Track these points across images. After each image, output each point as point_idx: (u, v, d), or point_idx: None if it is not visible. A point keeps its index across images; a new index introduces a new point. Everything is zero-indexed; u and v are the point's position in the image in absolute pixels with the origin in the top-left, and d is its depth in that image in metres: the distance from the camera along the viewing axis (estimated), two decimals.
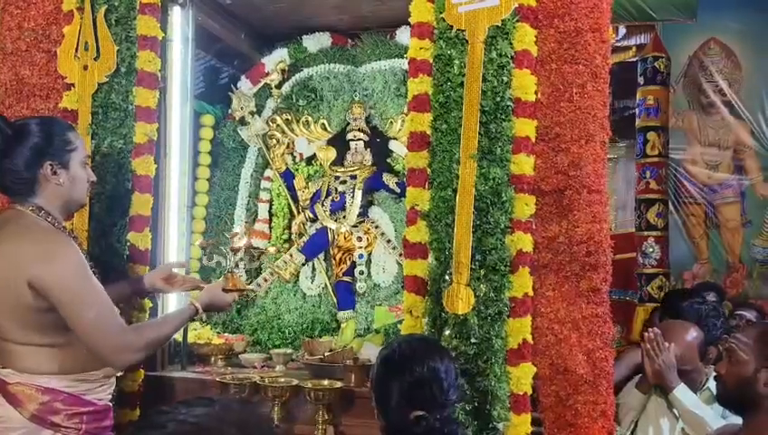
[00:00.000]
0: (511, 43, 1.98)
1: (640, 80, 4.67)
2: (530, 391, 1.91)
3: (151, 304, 2.40)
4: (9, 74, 2.48)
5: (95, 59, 2.34)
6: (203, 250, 2.56)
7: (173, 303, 2.68)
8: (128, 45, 2.35)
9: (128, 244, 2.33)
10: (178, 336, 2.65)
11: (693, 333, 2.24)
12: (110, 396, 1.84)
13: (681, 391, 2.11)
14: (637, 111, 4.69)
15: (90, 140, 2.31)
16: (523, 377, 1.90)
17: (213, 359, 2.69)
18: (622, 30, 4.92)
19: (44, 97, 2.43)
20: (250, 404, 0.81)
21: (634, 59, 4.98)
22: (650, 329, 2.19)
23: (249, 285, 3.10)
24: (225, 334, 2.88)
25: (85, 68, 2.35)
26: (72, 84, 2.36)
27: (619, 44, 4.82)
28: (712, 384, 2.21)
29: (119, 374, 1.87)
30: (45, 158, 1.74)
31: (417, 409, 1.50)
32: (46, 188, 1.76)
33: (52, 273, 1.63)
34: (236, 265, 2.12)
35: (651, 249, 4.34)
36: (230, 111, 3.21)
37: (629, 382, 2.44)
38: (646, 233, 4.44)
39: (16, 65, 2.48)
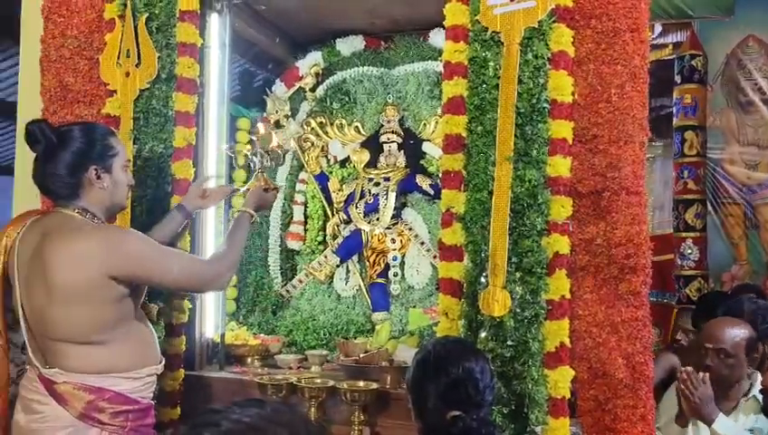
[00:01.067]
0: (547, 45, 1.97)
1: (677, 78, 4.59)
2: (568, 395, 1.89)
3: (190, 306, 2.45)
4: (53, 81, 2.56)
5: (136, 66, 2.40)
6: (232, 154, 2.63)
7: (210, 297, 2.70)
8: (168, 52, 2.40)
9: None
10: (216, 337, 2.70)
11: (743, 330, 2.21)
12: (152, 395, 1.88)
13: (721, 424, 2.08)
14: (674, 109, 4.62)
15: (131, 144, 2.36)
16: (560, 381, 1.88)
17: (249, 360, 2.73)
18: (658, 28, 4.85)
19: (88, 103, 2.50)
20: (299, 408, 0.82)
21: (670, 57, 4.90)
22: (684, 369, 2.15)
23: (284, 287, 3.14)
24: (261, 335, 2.91)
25: (127, 75, 2.41)
26: (115, 91, 2.42)
27: (655, 42, 4.75)
28: (756, 390, 2.16)
29: (160, 372, 1.91)
30: (89, 162, 1.80)
31: (453, 409, 1.51)
32: (90, 192, 1.81)
33: (129, 254, 1.73)
34: (265, 164, 2.21)
35: (689, 250, 4.27)
36: (265, 114, 3.25)
37: (668, 389, 2.41)
38: (684, 234, 4.36)
39: (60, 72, 2.55)
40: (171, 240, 2.18)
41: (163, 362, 1.93)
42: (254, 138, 2.37)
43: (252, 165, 2.28)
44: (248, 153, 2.46)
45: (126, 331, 1.79)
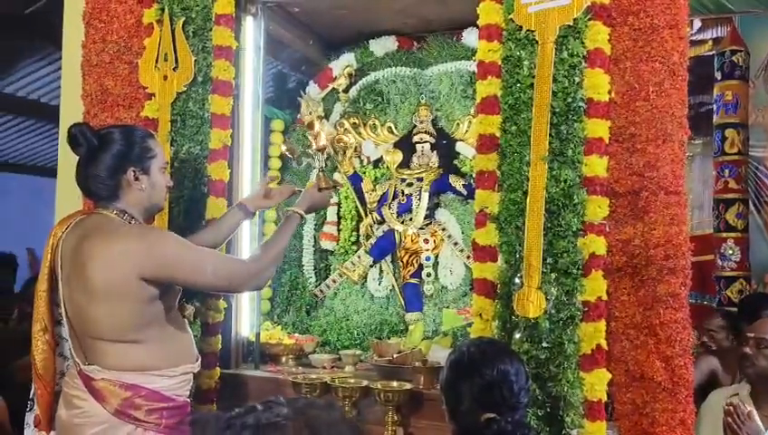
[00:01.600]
0: (583, 43, 1.94)
1: (717, 75, 4.48)
2: (605, 398, 1.87)
3: (225, 305, 2.48)
4: (94, 85, 2.63)
5: (174, 69, 2.45)
6: (290, 154, 2.61)
7: (245, 296, 2.74)
8: (204, 55, 2.44)
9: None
10: (251, 336, 2.73)
11: None
12: (188, 392, 1.91)
13: None
14: (714, 107, 4.51)
15: (169, 146, 2.41)
16: (597, 383, 1.86)
17: (284, 359, 2.75)
18: (697, 23, 4.75)
19: (127, 106, 2.55)
20: (332, 408, 0.83)
21: (710, 53, 4.79)
22: (729, 402, 2.09)
23: (317, 287, 3.16)
24: (296, 335, 2.94)
25: (165, 78, 2.45)
26: (153, 94, 2.47)
27: (694, 38, 4.65)
28: None
29: (196, 371, 1.94)
30: (128, 164, 1.84)
31: (487, 411, 1.50)
32: (129, 193, 1.85)
33: (164, 256, 1.76)
34: (325, 164, 2.22)
35: (731, 251, 4.17)
36: (299, 115, 3.27)
37: (712, 394, 2.35)
38: (725, 234, 4.26)
39: (101, 76, 2.62)
40: (226, 237, 2.23)
41: (199, 361, 1.96)
42: (310, 137, 2.39)
43: (310, 163, 2.28)
44: (308, 150, 2.47)
45: (161, 330, 1.83)
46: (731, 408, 2.04)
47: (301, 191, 2.30)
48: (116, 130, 1.91)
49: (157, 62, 2.48)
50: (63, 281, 1.83)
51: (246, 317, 2.76)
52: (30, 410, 2.13)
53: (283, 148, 2.55)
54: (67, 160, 3.06)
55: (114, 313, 1.75)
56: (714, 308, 4.01)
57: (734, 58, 4.41)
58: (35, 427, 1.98)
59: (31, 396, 1.99)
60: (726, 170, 4.36)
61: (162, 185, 1.92)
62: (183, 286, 1.88)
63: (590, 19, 1.94)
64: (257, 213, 2.37)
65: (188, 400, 1.91)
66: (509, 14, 2.04)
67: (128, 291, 1.73)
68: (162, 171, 1.92)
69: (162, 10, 2.48)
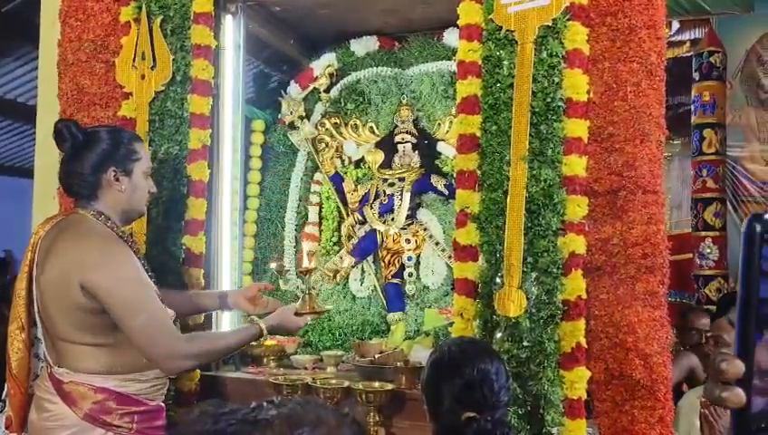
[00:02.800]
0: (562, 43, 1.95)
1: (695, 75, 4.55)
2: (584, 396, 1.88)
3: (201, 320, 2.45)
4: (70, 84, 2.59)
5: (152, 68, 2.42)
6: (279, 274, 2.52)
7: (227, 316, 2.72)
8: (183, 54, 2.42)
9: (183, 247, 2.40)
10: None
11: None
12: (163, 396, 1.88)
13: None
14: (692, 107, 4.57)
15: (147, 146, 2.38)
16: (577, 381, 1.87)
17: (265, 360, 2.74)
18: (676, 25, 4.81)
19: (104, 106, 2.52)
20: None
21: (688, 54, 4.85)
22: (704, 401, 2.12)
23: (299, 288, 3.13)
24: (277, 336, 2.92)
25: (142, 77, 2.43)
26: (130, 93, 2.44)
27: (672, 39, 4.71)
28: None
29: (173, 377, 1.92)
30: (110, 163, 1.82)
31: (468, 410, 1.50)
32: (108, 194, 1.83)
33: (104, 278, 1.69)
34: (313, 287, 2.08)
35: (709, 250, 4.23)
36: (280, 115, 3.26)
37: (689, 392, 2.38)
38: (703, 233, 4.32)
39: (77, 75, 2.58)
40: (195, 312, 2.19)
41: None
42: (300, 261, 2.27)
43: (299, 286, 2.16)
44: (298, 276, 2.35)
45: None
46: (708, 402, 2.07)
47: (294, 311, 2.08)
48: (103, 129, 1.90)
49: (134, 60, 2.44)
50: (36, 280, 1.81)
51: (227, 318, 2.74)
52: (1, 411, 2.10)
53: (273, 266, 2.47)
54: (44, 161, 3.03)
55: (69, 314, 1.74)
56: (694, 307, 4.06)
57: (711, 59, 4.48)
58: (6, 429, 1.95)
59: (3, 397, 1.96)
60: (704, 170, 4.43)
61: (144, 189, 1.89)
62: (112, 327, 1.73)
63: (568, 20, 1.96)
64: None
65: (162, 404, 1.87)
66: (489, 14, 2.04)
67: (76, 299, 1.70)
68: (146, 176, 1.89)
69: (139, 8, 2.45)
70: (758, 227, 0.67)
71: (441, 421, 1.57)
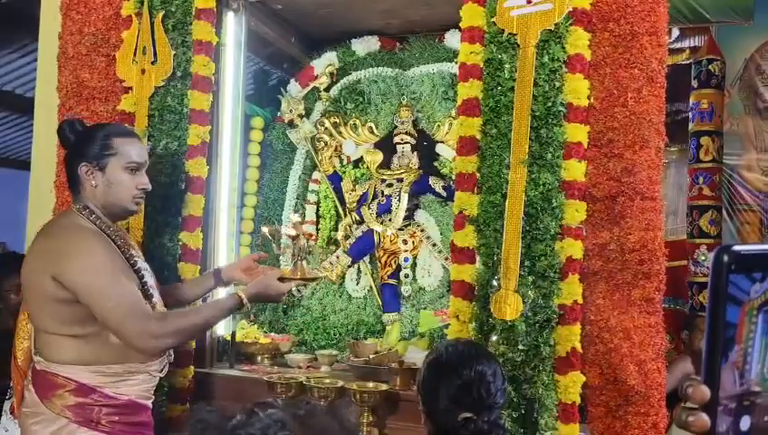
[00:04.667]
0: (564, 48, 1.96)
1: (694, 83, 4.55)
2: (578, 401, 1.88)
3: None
4: (70, 77, 2.58)
5: (152, 63, 2.41)
6: (272, 238, 2.44)
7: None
8: (183, 50, 2.41)
9: (180, 243, 2.39)
10: (227, 335, 2.70)
11: None
12: (147, 393, 1.84)
13: None
14: (690, 114, 4.58)
15: (146, 141, 2.37)
16: (571, 386, 1.87)
17: (259, 358, 2.73)
18: (676, 32, 4.81)
19: (103, 99, 2.51)
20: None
21: (687, 61, 4.86)
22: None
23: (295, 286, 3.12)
24: (272, 334, 2.92)
25: (143, 72, 2.42)
26: (130, 87, 2.44)
27: (672, 46, 4.71)
28: None
29: (159, 375, 1.87)
30: (81, 159, 1.84)
31: (464, 411, 1.50)
32: (86, 189, 1.85)
33: (71, 267, 1.71)
34: (309, 251, 1.99)
35: (704, 257, 4.23)
36: (279, 113, 3.25)
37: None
38: (698, 240, 4.33)
39: (77, 69, 2.57)
40: (197, 298, 2.16)
41: (162, 363, 1.88)
42: (290, 233, 2.22)
43: (290, 251, 2.07)
44: (287, 237, 2.24)
45: (102, 327, 1.77)
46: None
47: (291, 279, 2.01)
48: (87, 125, 1.93)
49: (135, 55, 2.44)
50: (22, 274, 1.85)
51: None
52: (9, 397, 2.14)
53: (265, 230, 2.42)
54: (40, 153, 3.02)
55: (43, 305, 1.76)
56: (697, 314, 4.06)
57: (710, 67, 4.48)
58: (11, 414, 1.99)
59: (11, 384, 2.00)
60: (701, 177, 4.43)
61: (124, 184, 1.84)
62: (87, 314, 1.74)
63: (571, 25, 1.96)
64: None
65: (143, 402, 1.83)
66: (491, 17, 2.04)
67: (50, 290, 1.72)
68: (127, 171, 1.86)
69: (141, 3, 2.45)
70: (726, 258, 0.70)
71: (437, 422, 1.57)
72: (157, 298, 1.88)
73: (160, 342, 1.75)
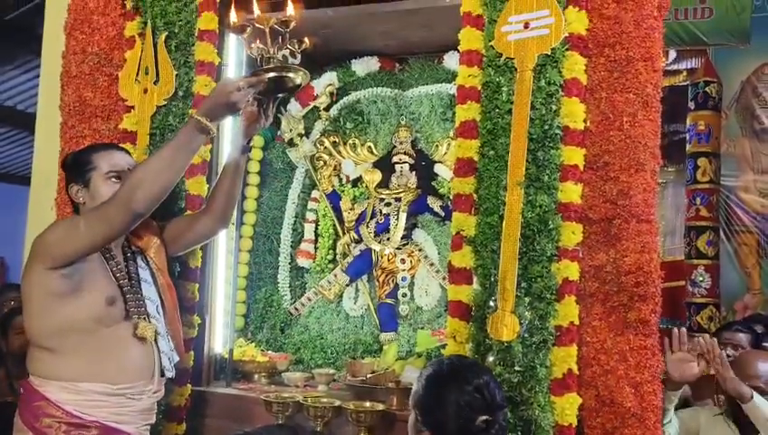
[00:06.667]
0: (560, 72, 1.98)
1: (691, 105, 4.60)
2: (575, 423, 1.88)
3: (199, 321, 2.46)
4: (73, 96, 2.61)
5: (155, 83, 2.44)
6: (244, 40, 2.19)
7: (219, 313, 2.73)
8: (186, 70, 2.44)
9: (179, 261, 2.40)
10: (224, 353, 2.70)
11: None
12: (122, 417, 1.82)
13: (759, 398, 2.12)
14: (687, 136, 4.62)
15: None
16: (567, 407, 1.87)
17: (257, 376, 2.73)
18: (673, 53, 4.87)
19: (105, 118, 2.54)
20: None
21: (685, 83, 4.91)
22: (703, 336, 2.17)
23: (292, 305, 3.12)
24: (269, 352, 2.92)
25: (145, 91, 2.45)
26: (132, 107, 2.46)
27: (669, 68, 4.77)
28: None
29: (141, 397, 1.88)
30: (71, 181, 1.94)
31: (481, 414, 1.56)
32: (81, 208, 1.93)
33: (46, 234, 1.79)
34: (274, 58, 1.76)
35: (701, 278, 4.25)
36: (279, 132, 3.28)
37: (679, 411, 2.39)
38: (696, 261, 4.35)
39: (80, 87, 2.60)
40: (236, 185, 2.13)
41: (150, 382, 1.90)
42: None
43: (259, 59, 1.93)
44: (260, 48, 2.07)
45: (80, 341, 1.79)
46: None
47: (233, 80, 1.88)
48: (76, 151, 2.06)
49: (137, 75, 2.47)
50: None
51: (220, 333, 2.74)
52: None
53: (243, 35, 2.11)
54: (41, 170, 3.04)
55: (28, 314, 1.81)
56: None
57: (707, 89, 4.53)
58: None
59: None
60: (698, 198, 4.46)
61: (106, 194, 1.84)
62: (76, 256, 1.75)
63: (567, 49, 1.99)
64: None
65: (108, 424, 1.80)
66: (489, 41, 2.08)
67: (36, 281, 1.77)
68: (110, 180, 1.90)
69: (145, 23, 2.48)
70: None
71: (443, 431, 1.59)
72: (152, 313, 1.93)
73: (137, 192, 1.70)
